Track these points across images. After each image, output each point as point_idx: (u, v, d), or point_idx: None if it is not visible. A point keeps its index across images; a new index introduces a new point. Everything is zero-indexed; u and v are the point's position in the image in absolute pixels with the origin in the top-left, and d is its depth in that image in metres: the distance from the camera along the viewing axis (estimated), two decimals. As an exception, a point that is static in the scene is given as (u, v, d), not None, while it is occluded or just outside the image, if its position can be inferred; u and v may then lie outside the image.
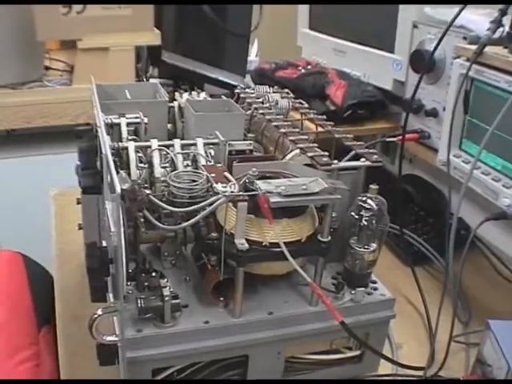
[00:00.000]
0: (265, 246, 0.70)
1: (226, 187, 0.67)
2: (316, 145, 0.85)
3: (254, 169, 0.72)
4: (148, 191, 0.69)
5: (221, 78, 1.84)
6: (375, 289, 0.82)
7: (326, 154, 0.80)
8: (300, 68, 1.25)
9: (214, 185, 0.67)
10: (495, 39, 0.94)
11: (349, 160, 0.82)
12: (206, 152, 0.79)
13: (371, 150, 0.82)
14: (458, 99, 0.94)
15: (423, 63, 1.04)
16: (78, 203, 1.01)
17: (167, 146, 0.79)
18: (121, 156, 0.77)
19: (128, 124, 0.85)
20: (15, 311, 0.94)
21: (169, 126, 0.96)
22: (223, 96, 1.01)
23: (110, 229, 0.63)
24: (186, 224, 0.68)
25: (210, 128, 0.86)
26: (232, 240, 0.69)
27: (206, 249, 0.73)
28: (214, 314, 0.72)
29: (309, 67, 1.25)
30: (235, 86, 1.08)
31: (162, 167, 0.76)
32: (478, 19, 1.01)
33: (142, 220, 0.70)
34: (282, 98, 1.02)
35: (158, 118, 0.93)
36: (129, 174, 0.75)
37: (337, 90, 1.14)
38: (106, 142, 0.70)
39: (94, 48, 1.58)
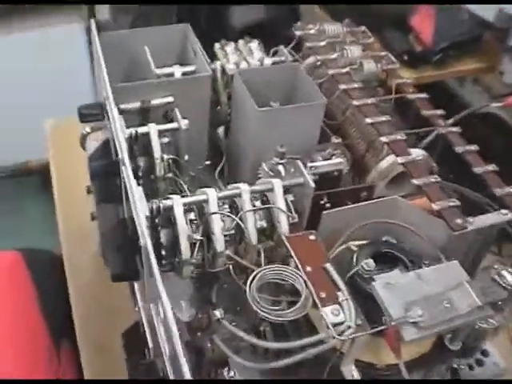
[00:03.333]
0: (379, 368, 0.50)
1: (338, 314, 0.45)
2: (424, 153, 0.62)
3: (370, 260, 0.49)
4: (219, 314, 0.46)
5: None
6: (485, 353, 0.64)
7: (455, 202, 0.56)
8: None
9: (322, 313, 0.45)
10: None
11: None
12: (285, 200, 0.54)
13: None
14: None
15: None
16: (89, 192, 0.75)
17: (227, 198, 0.53)
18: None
19: (161, 133, 0.58)
20: (26, 334, 0.74)
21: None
22: (282, 48, 0.71)
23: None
24: (283, 363, 0.46)
25: (280, 127, 0.61)
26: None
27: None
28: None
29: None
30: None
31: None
32: None
33: (209, 346, 0.48)
34: (367, 55, 0.72)
35: (197, 99, 0.65)
36: (177, 249, 0.50)
37: (425, 22, 0.83)
38: (144, 231, 0.45)
39: None
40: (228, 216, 0.52)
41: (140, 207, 0.46)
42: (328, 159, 0.62)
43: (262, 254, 0.52)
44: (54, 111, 1.04)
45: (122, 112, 0.61)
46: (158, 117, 0.64)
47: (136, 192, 0.47)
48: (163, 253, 0.51)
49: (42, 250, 0.89)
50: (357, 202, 0.58)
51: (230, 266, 0.53)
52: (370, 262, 0.49)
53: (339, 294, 0.46)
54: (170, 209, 0.50)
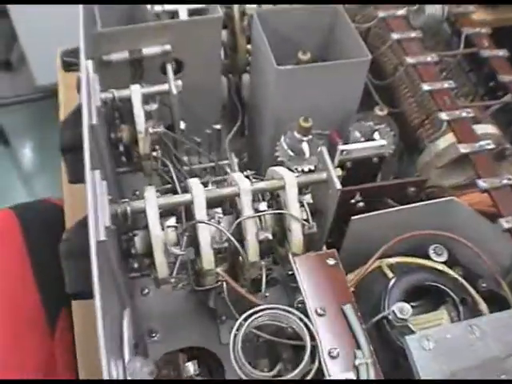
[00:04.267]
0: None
1: None
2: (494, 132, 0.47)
3: (405, 306, 0.36)
4: (192, 369, 0.34)
5: None
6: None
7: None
8: None
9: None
10: None
11: None
12: (300, 202, 0.40)
13: None
14: None
15: None
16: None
17: (220, 199, 0.40)
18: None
19: (144, 97, 0.45)
20: (15, 302, 0.66)
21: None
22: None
23: None
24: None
25: (306, 91, 0.47)
26: None
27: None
28: None
29: None
30: None
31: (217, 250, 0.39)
32: None
33: None
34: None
35: (202, 48, 0.51)
36: (153, 266, 0.38)
37: None
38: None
39: None
40: (221, 220, 0.39)
41: (94, 220, 0.33)
42: (368, 140, 0.47)
43: (264, 280, 0.39)
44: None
45: (106, 65, 0.47)
46: (155, 70, 0.50)
47: (91, 190, 0.35)
48: (136, 266, 0.40)
49: (39, 205, 0.78)
50: (401, 202, 0.44)
51: (224, 284, 0.41)
52: (405, 307, 0.36)
53: (358, 352, 0.34)
54: (142, 211, 0.38)
